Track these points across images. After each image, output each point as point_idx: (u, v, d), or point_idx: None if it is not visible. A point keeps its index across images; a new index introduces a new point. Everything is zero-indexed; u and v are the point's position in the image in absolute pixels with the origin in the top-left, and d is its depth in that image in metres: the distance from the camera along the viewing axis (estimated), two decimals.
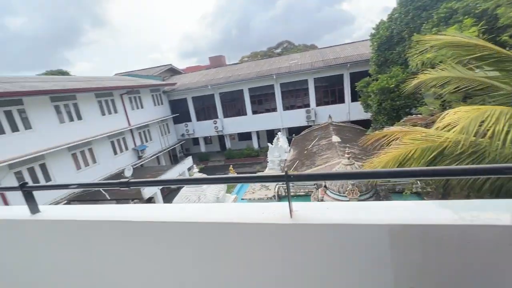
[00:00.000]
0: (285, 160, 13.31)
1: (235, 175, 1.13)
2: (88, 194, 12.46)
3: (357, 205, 1.05)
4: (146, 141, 19.20)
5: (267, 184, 12.83)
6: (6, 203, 10.25)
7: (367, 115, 14.55)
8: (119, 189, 12.45)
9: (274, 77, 19.16)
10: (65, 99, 13.26)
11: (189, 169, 17.11)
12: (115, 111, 16.51)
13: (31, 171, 11.55)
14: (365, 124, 15.97)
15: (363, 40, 21.07)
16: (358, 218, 0.95)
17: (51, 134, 12.25)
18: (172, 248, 1.24)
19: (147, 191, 12.35)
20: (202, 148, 23.68)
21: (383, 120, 11.89)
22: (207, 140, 24.68)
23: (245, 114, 21.22)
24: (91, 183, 1.38)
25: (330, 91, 19.51)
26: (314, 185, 8.49)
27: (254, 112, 21.13)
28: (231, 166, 19.55)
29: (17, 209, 1.57)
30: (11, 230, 1.55)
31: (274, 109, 20.53)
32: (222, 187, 10.20)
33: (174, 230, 1.20)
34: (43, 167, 12.03)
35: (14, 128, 10.97)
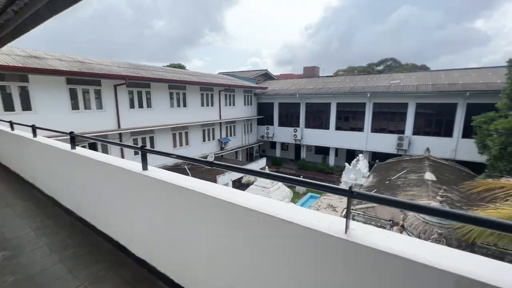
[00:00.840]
0: (361, 185, 12.20)
1: (299, 178, 1.19)
2: (176, 169, 14.71)
3: (423, 244, 0.96)
4: (230, 135, 21.15)
5: (334, 204, 12.07)
6: (122, 157, 13.26)
7: (482, 158, 11.73)
8: (200, 171, 14.18)
9: (368, 95, 17.79)
10: (178, 88, 16.07)
11: (261, 169, 17.82)
12: (212, 105, 18.87)
13: (143, 140, 14.55)
14: (475, 167, 12.91)
15: (496, 67, 17.05)
16: (420, 256, 0.87)
17: (163, 115, 15.09)
18: (226, 226, 1.42)
19: (220, 180, 13.62)
20: (278, 152, 24.27)
21: (504, 167, 9.38)
22: (284, 146, 25.11)
23: (327, 128, 20.56)
24: (185, 156, 1.76)
25: (434, 121, 16.65)
26: (390, 221, 7.51)
27: (338, 128, 20.19)
28: (301, 176, 19.30)
29: (135, 164, 2.10)
30: (128, 178, 2.09)
31: (361, 129, 19.05)
32: (288, 195, 10.22)
33: (232, 211, 1.38)
34: (151, 139, 14.98)
35: (141, 106, 14.06)
